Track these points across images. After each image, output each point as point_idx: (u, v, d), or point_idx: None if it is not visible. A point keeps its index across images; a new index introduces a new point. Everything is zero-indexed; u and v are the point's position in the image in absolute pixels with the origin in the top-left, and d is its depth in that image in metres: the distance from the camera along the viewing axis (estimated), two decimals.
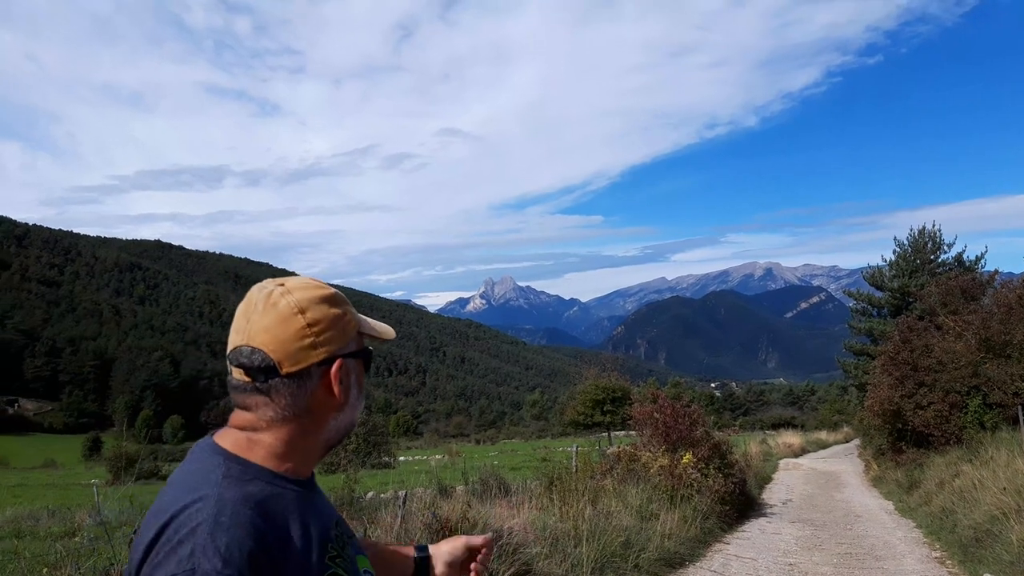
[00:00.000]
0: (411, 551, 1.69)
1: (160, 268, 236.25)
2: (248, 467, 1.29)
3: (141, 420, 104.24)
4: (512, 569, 5.32)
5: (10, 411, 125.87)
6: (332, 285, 1.45)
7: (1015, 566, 6.82)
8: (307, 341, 1.32)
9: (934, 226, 28.84)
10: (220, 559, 1.11)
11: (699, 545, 9.41)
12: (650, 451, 11.86)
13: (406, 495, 5.74)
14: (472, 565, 1.66)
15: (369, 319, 1.46)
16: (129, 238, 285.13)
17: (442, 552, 1.67)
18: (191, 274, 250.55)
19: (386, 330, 1.48)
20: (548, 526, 7.01)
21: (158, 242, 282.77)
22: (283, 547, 1.22)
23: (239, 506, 1.19)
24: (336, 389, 1.34)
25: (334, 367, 1.34)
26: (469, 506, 5.63)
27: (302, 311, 1.33)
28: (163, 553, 1.14)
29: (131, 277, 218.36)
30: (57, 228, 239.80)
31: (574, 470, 9.36)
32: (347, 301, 1.42)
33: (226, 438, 1.34)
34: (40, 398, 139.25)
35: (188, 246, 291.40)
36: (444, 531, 5.15)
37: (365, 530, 5.45)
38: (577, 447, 11.03)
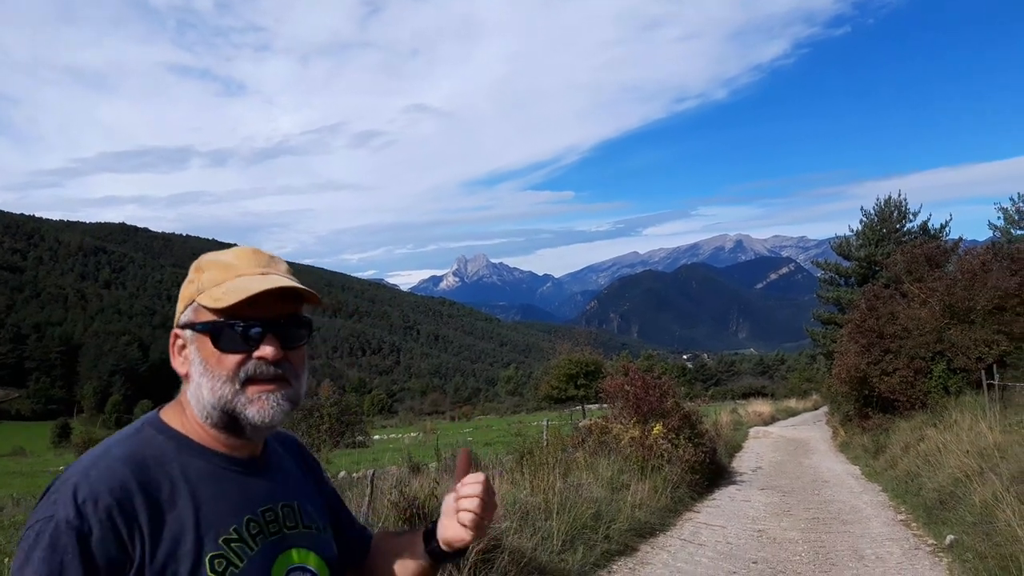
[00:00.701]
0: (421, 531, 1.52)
1: (126, 251, 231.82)
2: (164, 431, 1.28)
3: (111, 405, 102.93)
4: (481, 545, 5.27)
5: None
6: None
7: (978, 527, 6.93)
8: (177, 308, 1.34)
9: (900, 195, 29.22)
10: (74, 509, 1.12)
11: (670, 514, 9.48)
12: (621, 423, 11.90)
13: (373, 474, 5.65)
14: (456, 505, 1.38)
15: (228, 283, 1.27)
16: (93, 221, 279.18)
17: (443, 510, 1.45)
18: (157, 256, 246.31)
19: (229, 293, 1.25)
20: (518, 500, 6.98)
21: (123, 225, 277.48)
22: (154, 511, 1.18)
23: (115, 462, 1.19)
24: (173, 359, 1.32)
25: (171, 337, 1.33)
26: (437, 483, 5.57)
27: (188, 280, 1.33)
28: (40, 500, 1.19)
29: (96, 261, 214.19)
30: (19, 213, 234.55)
31: (545, 444, 9.34)
32: (211, 267, 1.32)
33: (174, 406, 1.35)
34: (6, 385, 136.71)
35: (154, 228, 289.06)
36: (411, 509, 5.08)
37: None
38: (548, 421, 11.02)
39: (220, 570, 1.20)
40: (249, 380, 1.26)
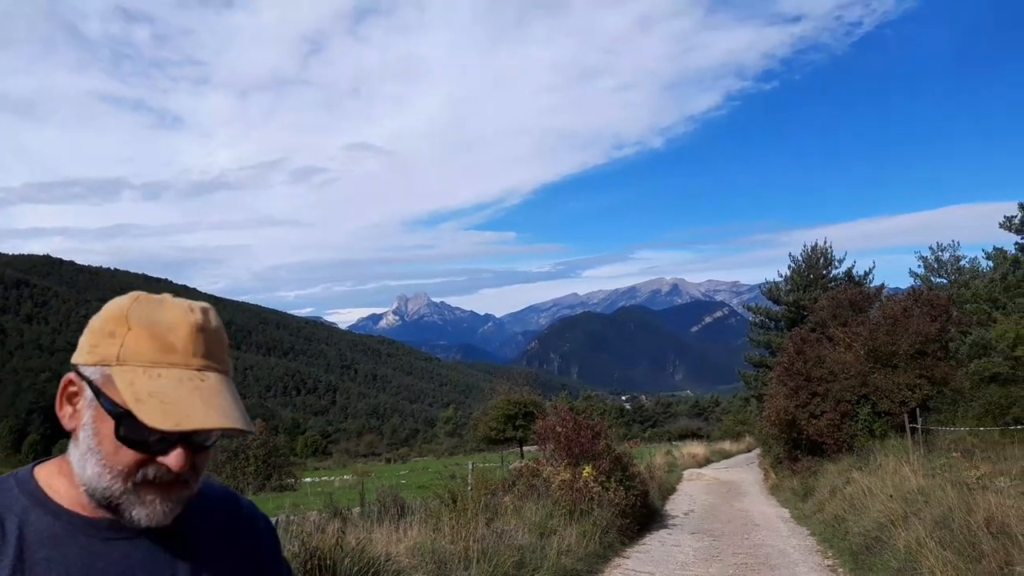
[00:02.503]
0: None
1: (49, 284, 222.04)
2: (24, 483, 1.11)
3: (28, 445, 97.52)
4: None
5: None
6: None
7: (902, 573, 6.88)
8: (81, 350, 1.15)
9: (826, 243, 30.19)
10: None
11: (598, 560, 9.21)
12: (552, 465, 11.65)
13: (276, 520, 5.26)
14: None
15: (161, 383, 1.04)
16: (16, 253, 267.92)
17: None
18: (83, 291, 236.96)
19: (164, 413, 1.01)
20: (437, 549, 6.63)
21: (47, 257, 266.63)
22: None
23: None
24: (59, 407, 1.14)
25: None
26: (343, 532, 5.20)
27: (108, 330, 1.12)
28: None
29: (17, 294, 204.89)
30: None
31: (469, 488, 9.01)
32: (141, 330, 1.08)
33: None
34: None
35: (81, 261, 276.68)
36: (313, 561, 4.71)
37: None
38: (473, 464, 10.70)
39: None
40: (146, 483, 1.04)
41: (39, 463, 1.17)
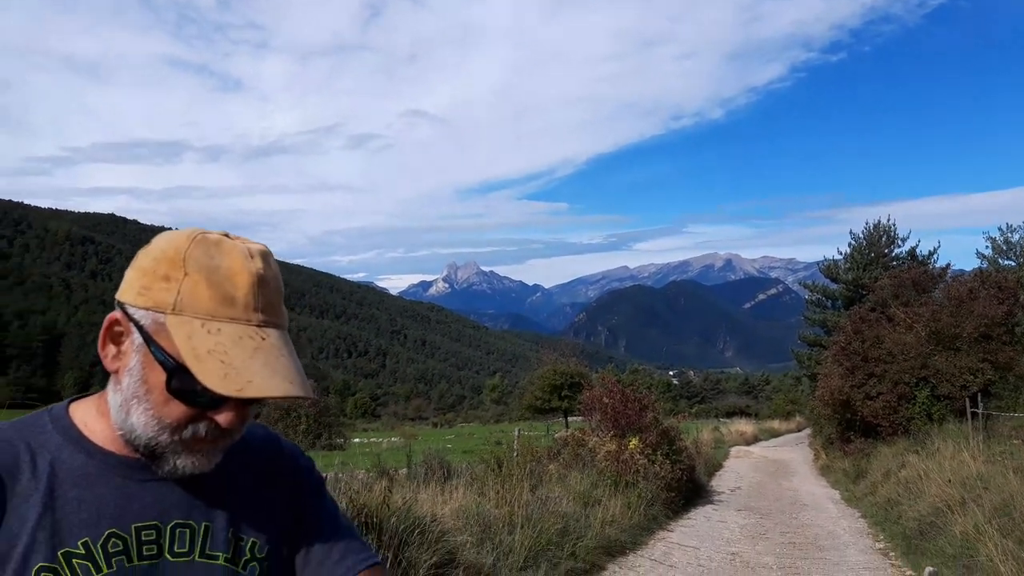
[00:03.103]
0: None
1: (114, 242, 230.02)
2: (59, 420, 1.07)
3: None
4: (433, 559, 4.96)
5: None
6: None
7: (958, 560, 6.67)
8: (130, 289, 1.08)
9: (889, 220, 29.23)
10: None
11: (642, 532, 9.18)
12: (598, 436, 11.62)
13: (325, 478, 5.34)
14: None
15: (221, 338, 0.98)
16: (82, 211, 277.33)
17: None
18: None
19: (225, 376, 0.95)
20: (481, 512, 6.67)
21: (112, 216, 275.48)
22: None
23: None
24: (102, 346, 1.08)
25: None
26: (390, 491, 5.25)
27: (163, 272, 1.04)
28: None
29: (83, 251, 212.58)
30: (7, 199, 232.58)
31: (515, 455, 9.04)
32: (200, 276, 1.01)
33: None
34: None
35: (144, 221, 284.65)
36: (360, 518, 4.76)
37: None
38: (519, 431, 10.73)
39: None
40: (195, 438, 1.00)
41: (75, 399, 1.13)
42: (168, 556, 1.03)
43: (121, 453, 1.05)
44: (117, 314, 1.04)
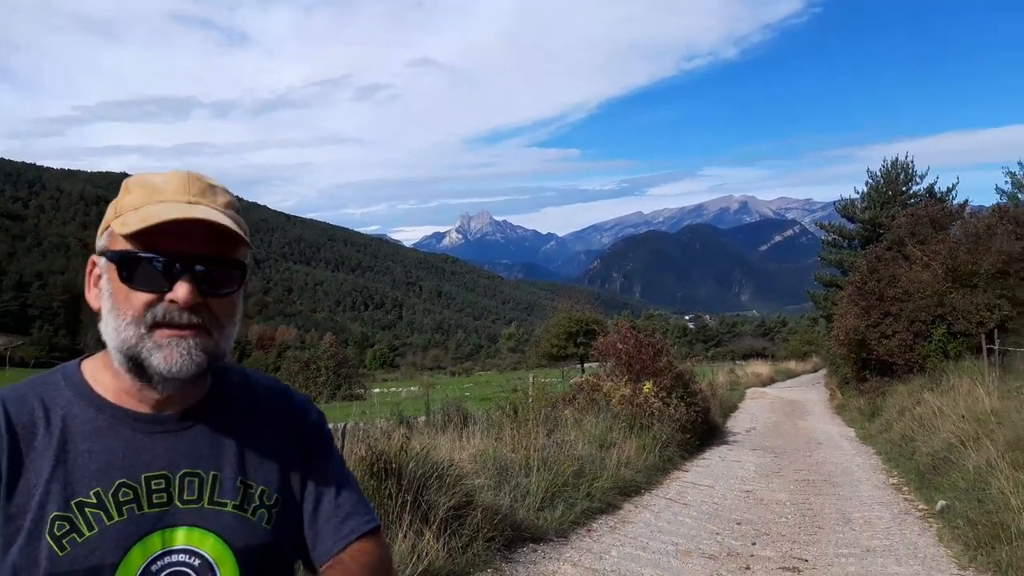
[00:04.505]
0: None
1: None
2: (70, 377, 1.13)
3: None
4: (452, 501, 5.09)
5: None
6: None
7: (970, 493, 6.75)
8: (98, 231, 1.15)
9: (907, 157, 28.65)
10: None
11: (657, 473, 9.33)
12: (612, 381, 11.72)
13: (345, 426, 5.46)
14: None
15: (146, 208, 1.04)
16: (95, 170, 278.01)
17: None
18: None
19: (137, 219, 1.02)
20: (498, 457, 6.80)
21: (124, 174, 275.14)
22: (15, 454, 1.04)
23: None
24: (87, 291, 1.14)
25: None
26: (408, 438, 5.37)
27: (113, 201, 1.14)
28: None
29: (97, 210, 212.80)
30: (20, 161, 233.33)
31: (529, 400, 9.17)
32: (136, 188, 1.09)
33: None
34: (10, 332, 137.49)
35: None
36: (379, 464, 4.88)
37: None
38: (534, 377, 10.85)
39: (59, 535, 1.00)
40: (157, 324, 1.03)
41: (86, 357, 1.17)
42: (178, 504, 1.08)
43: (129, 407, 1.10)
44: (93, 257, 1.12)
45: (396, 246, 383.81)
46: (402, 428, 7.34)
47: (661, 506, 7.77)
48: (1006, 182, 28.02)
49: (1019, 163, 27.81)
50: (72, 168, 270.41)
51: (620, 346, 12.23)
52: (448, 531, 4.92)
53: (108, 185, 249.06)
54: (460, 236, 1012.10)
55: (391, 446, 5.18)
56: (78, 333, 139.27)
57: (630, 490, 8.12)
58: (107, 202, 1.12)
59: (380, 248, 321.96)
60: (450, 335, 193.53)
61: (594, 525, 6.73)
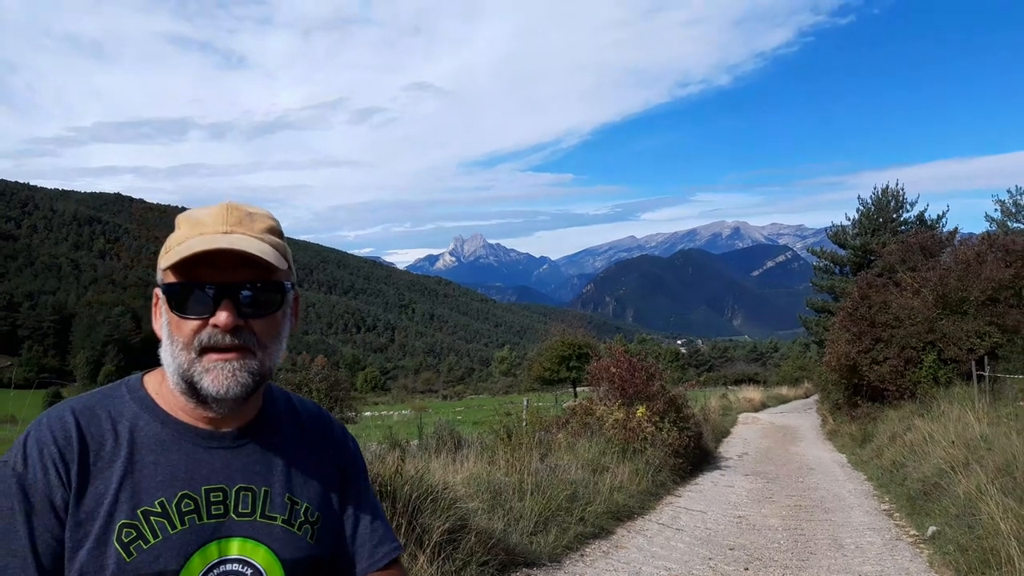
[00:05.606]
0: None
1: (120, 222, 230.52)
2: (135, 391, 1.22)
3: (103, 375, 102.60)
4: (446, 524, 5.10)
5: None
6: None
7: (961, 519, 6.79)
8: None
9: (897, 185, 29.01)
10: (21, 454, 1.11)
11: (650, 498, 9.33)
12: (605, 405, 11.73)
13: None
14: None
15: (188, 243, 1.13)
16: (89, 191, 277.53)
17: None
18: (153, 228, 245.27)
19: (175, 253, 1.12)
20: (492, 480, 6.81)
21: (118, 195, 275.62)
22: (85, 464, 1.12)
23: (65, 411, 1.15)
24: (153, 321, 1.23)
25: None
26: (402, 461, 5.39)
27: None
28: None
29: (91, 231, 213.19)
30: (14, 180, 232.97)
31: (523, 424, 9.18)
32: (183, 223, 1.18)
33: None
34: None
35: (150, 199, 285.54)
36: (375, 487, 4.89)
37: None
38: (528, 401, 10.86)
39: (127, 541, 1.08)
40: (205, 349, 1.12)
41: (148, 372, 1.27)
42: (233, 516, 1.17)
43: (190, 422, 1.19)
44: (155, 290, 1.20)
45: (389, 268, 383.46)
46: (396, 451, 7.34)
47: (654, 531, 7.78)
48: (995, 210, 28.39)
49: (1008, 192, 28.22)
50: (66, 188, 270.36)
51: (614, 370, 12.27)
52: (442, 555, 4.93)
53: (102, 206, 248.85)
54: (454, 259, 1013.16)
55: (385, 469, 5.20)
56: (68, 354, 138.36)
57: (623, 515, 8.12)
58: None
59: (373, 270, 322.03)
60: (442, 358, 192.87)
61: (587, 550, 6.73)
